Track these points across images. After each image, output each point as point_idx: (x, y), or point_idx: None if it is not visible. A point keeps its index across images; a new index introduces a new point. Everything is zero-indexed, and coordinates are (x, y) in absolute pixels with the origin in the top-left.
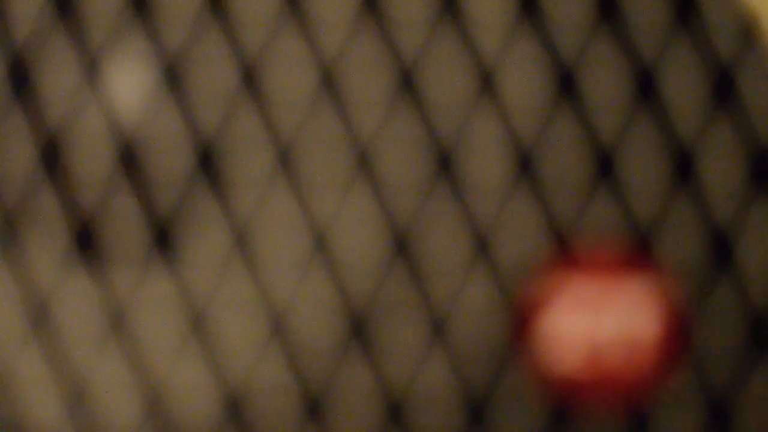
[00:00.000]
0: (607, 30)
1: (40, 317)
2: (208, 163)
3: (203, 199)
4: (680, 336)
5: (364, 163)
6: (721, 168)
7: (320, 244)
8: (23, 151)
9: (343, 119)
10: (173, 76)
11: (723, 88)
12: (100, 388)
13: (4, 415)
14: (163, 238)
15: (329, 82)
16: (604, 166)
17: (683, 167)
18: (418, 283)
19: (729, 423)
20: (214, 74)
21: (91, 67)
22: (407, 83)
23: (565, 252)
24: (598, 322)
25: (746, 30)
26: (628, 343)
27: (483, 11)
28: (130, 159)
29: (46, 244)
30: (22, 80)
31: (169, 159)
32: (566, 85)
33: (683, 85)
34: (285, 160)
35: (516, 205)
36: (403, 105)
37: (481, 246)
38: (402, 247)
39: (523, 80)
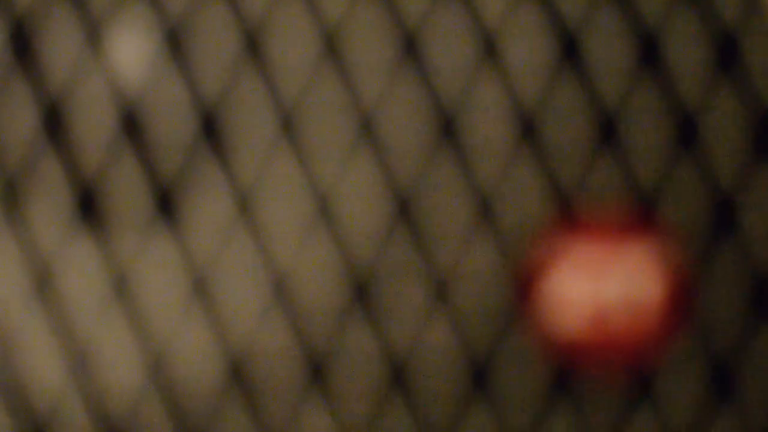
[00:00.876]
0: None
1: (43, 282)
2: (210, 128)
3: (206, 165)
4: (683, 300)
5: (367, 128)
6: (725, 132)
7: (323, 208)
8: (26, 117)
9: (346, 85)
10: (175, 42)
11: (727, 53)
12: (103, 352)
13: (7, 379)
14: (166, 203)
15: (332, 47)
16: (608, 131)
17: (686, 131)
18: (421, 247)
19: (732, 386)
20: (216, 40)
21: (94, 34)
22: (410, 48)
23: (568, 216)
24: (601, 285)
25: None
26: (631, 307)
27: None
28: (132, 125)
29: (49, 210)
30: (24, 47)
31: (172, 125)
32: (569, 49)
33: (687, 50)
34: (288, 125)
35: (519, 169)
36: (406, 70)
37: (484, 210)
38: (405, 211)
39: (526, 45)
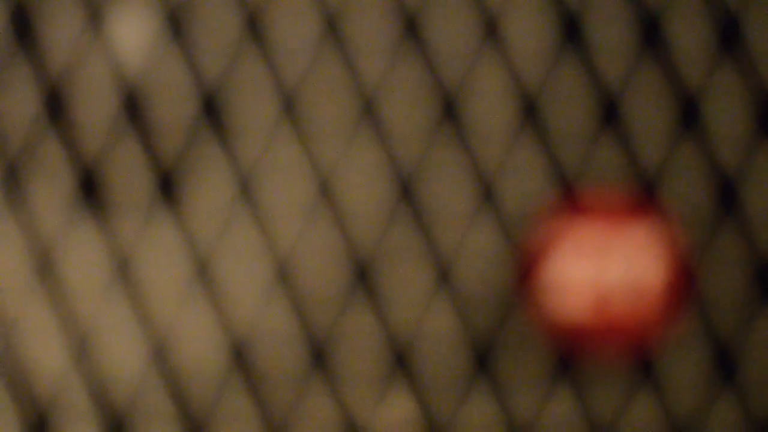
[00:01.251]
0: None
1: (44, 265)
2: (211, 110)
3: (207, 147)
4: (685, 282)
5: (368, 110)
6: (727, 114)
7: (325, 191)
8: (27, 99)
9: (348, 67)
10: (176, 24)
11: (729, 34)
12: (105, 337)
13: (9, 364)
14: (168, 186)
15: (333, 30)
16: (609, 113)
17: (688, 113)
18: (423, 230)
19: (734, 369)
20: (217, 22)
21: (94, 16)
22: (411, 30)
23: (570, 198)
24: (603, 268)
25: None
26: (633, 289)
27: None
28: (133, 107)
29: (51, 192)
30: (25, 29)
31: (173, 107)
32: (571, 31)
33: (688, 32)
34: (289, 107)
35: (521, 151)
36: (408, 52)
37: (486, 192)
38: (407, 193)
39: (528, 27)
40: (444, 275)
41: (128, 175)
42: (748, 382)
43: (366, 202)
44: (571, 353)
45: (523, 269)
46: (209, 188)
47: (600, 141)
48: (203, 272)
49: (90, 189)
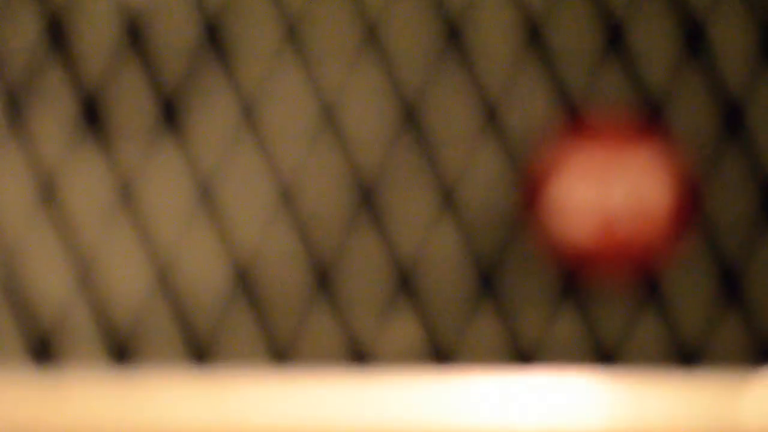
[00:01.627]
0: None
1: (47, 191)
2: (214, 36)
3: (210, 73)
4: (691, 204)
5: (372, 34)
6: (732, 37)
7: (328, 115)
8: (28, 26)
9: None
10: None
11: None
12: (108, 262)
13: (13, 290)
14: (170, 112)
15: None
16: (614, 36)
17: (694, 36)
18: (427, 153)
19: (739, 288)
20: None
21: None
22: None
23: (575, 121)
24: (608, 190)
25: None
26: (638, 211)
27: None
28: (135, 33)
29: (53, 119)
30: None
31: (175, 33)
32: None
33: None
34: (292, 32)
35: (525, 74)
36: None
37: (490, 115)
38: (410, 117)
39: None
40: (448, 198)
41: (130, 101)
42: (753, 302)
43: (369, 126)
44: (575, 274)
45: (528, 192)
46: (212, 113)
47: (605, 64)
48: (206, 196)
49: (92, 115)
